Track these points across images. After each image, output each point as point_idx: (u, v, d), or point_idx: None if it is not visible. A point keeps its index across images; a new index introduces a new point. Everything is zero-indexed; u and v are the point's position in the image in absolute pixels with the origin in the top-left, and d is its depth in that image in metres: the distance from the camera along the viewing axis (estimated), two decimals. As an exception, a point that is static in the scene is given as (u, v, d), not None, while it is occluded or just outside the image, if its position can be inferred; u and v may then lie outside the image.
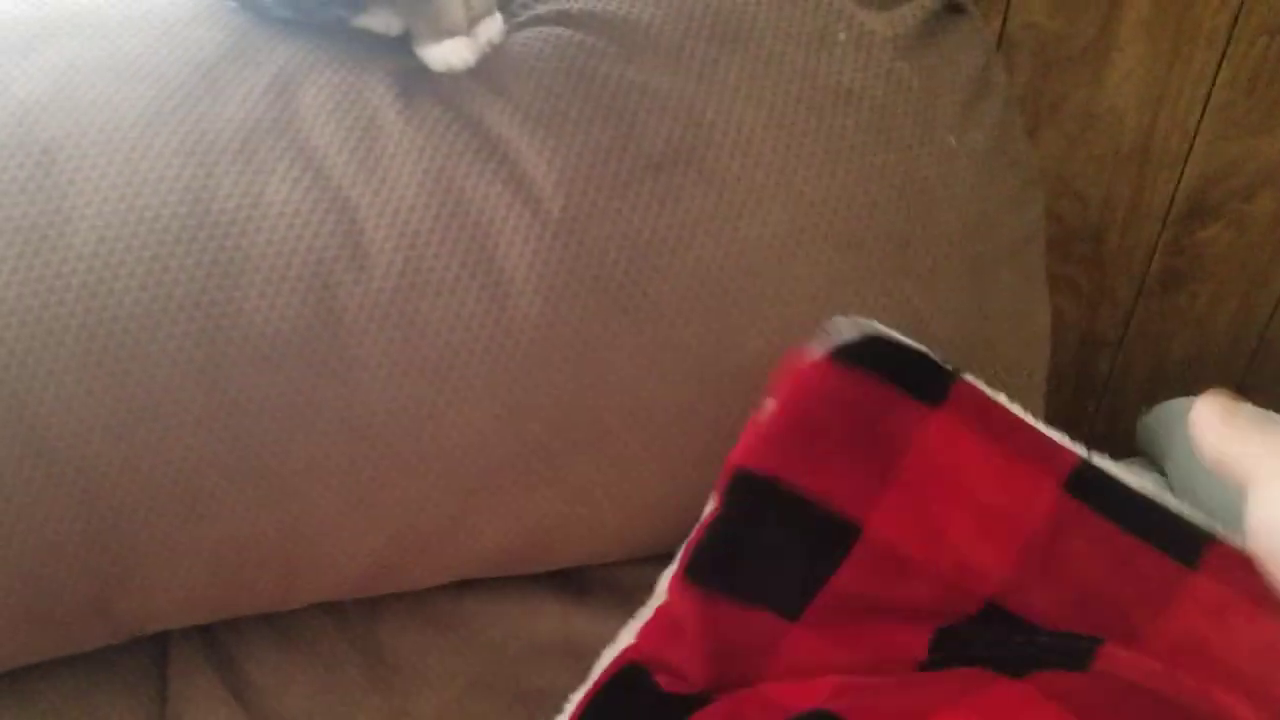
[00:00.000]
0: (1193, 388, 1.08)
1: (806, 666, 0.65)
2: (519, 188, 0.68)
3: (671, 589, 0.70)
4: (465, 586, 0.82)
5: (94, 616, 0.71)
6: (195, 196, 0.65)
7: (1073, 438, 0.65)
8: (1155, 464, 1.15)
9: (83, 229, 0.64)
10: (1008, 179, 0.80)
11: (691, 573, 0.68)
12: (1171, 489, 0.99)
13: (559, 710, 0.70)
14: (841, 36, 0.74)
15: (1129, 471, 0.66)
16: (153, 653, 0.80)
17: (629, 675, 0.70)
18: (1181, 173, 1.31)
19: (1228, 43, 1.20)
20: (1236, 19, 1.18)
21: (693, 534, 0.69)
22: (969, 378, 0.66)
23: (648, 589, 0.73)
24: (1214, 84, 1.23)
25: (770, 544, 0.67)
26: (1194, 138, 1.28)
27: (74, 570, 0.68)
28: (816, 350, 0.65)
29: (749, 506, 0.67)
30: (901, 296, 0.75)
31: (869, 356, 0.65)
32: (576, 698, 0.70)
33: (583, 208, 0.68)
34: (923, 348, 0.66)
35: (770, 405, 0.66)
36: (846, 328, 0.66)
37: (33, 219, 0.64)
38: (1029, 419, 0.66)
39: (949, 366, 0.66)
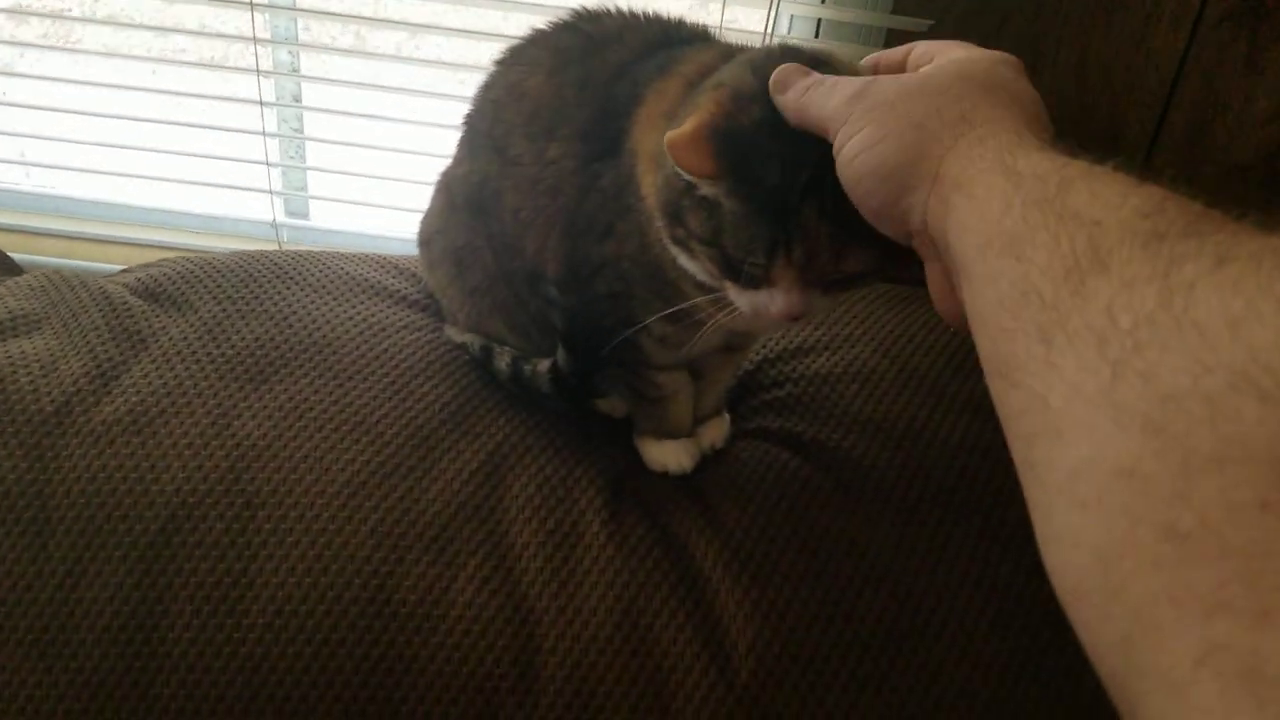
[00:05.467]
0: None
1: None
2: (710, 639, 0.63)
3: None
4: None
5: None
6: (381, 583, 0.63)
7: None
8: None
9: (263, 597, 0.62)
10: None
11: None
12: None
13: None
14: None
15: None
16: None
17: None
18: None
19: None
20: None
21: None
22: None
23: None
24: None
25: None
26: None
27: None
28: None
29: None
30: None
31: None
32: None
33: (774, 677, 0.62)
34: None
35: None
36: None
37: (219, 578, 0.62)
38: None
39: None
